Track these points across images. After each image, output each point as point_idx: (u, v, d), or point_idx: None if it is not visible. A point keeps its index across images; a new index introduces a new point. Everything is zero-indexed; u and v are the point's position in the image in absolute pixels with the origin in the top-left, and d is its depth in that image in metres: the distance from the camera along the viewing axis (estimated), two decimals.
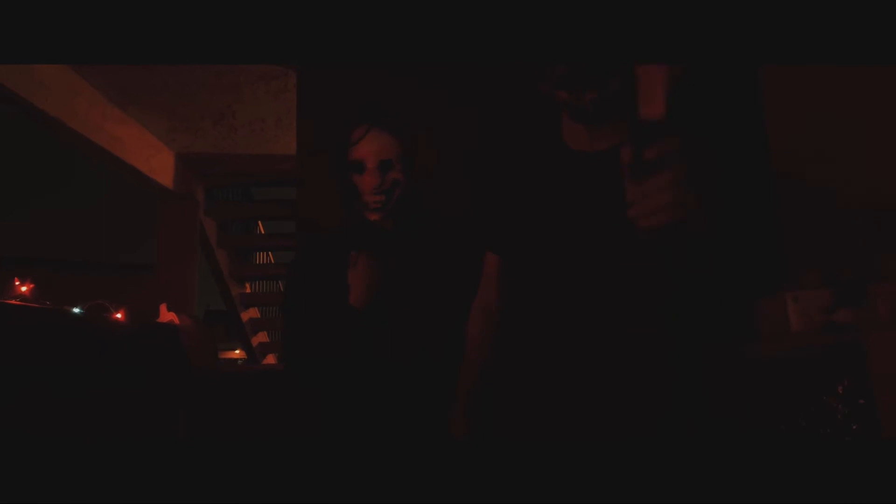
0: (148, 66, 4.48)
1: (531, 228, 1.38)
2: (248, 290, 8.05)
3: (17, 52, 1.92)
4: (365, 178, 1.62)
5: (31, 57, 1.95)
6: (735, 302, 2.04)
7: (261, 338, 8.43)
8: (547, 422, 1.33)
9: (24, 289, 2.16)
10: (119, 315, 2.52)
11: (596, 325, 1.33)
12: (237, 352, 10.07)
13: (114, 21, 1.77)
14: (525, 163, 1.43)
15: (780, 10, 1.45)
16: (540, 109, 1.40)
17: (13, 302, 2.08)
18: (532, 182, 1.39)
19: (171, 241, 6.38)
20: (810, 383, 1.55)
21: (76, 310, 2.33)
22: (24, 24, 1.81)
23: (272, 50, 1.88)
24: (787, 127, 2.46)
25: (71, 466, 2.01)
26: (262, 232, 8.36)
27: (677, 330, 1.40)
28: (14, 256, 7.02)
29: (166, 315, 3.02)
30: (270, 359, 8.82)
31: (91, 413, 2.20)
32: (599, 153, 1.32)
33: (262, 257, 8.98)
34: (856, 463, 1.34)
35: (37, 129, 4.77)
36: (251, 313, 8.04)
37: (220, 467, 2.49)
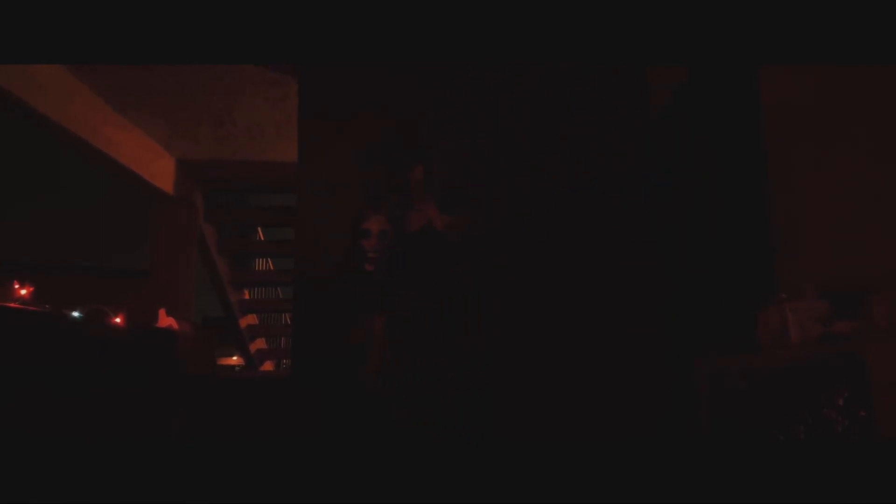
0: (147, 69, 4.45)
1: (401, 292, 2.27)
2: (247, 297, 8.04)
3: (15, 51, 1.92)
4: (370, 241, 2.41)
5: (30, 56, 1.94)
6: (733, 311, 2.03)
7: (259, 344, 8.41)
8: (545, 422, 1.34)
9: (23, 292, 2.17)
10: (118, 320, 2.52)
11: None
12: (234, 358, 10.04)
13: (113, 20, 1.77)
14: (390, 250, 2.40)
15: (779, 10, 1.45)
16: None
17: (13, 305, 2.08)
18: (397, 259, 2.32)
19: (169, 246, 6.36)
20: (809, 394, 1.55)
21: (75, 314, 2.33)
22: (23, 23, 1.81)
23: (274, 50, 1.88)
24: (784, 133, 2.46)
25: (66, 465, 2.01)
26: (262, 238, 8.35)
27: (671, 336, 1.41)
28: (12, 261, 6.96)
29: (165, 320, 3.02)
30: (268, 365, 8.79)
31: (88, 414, 2.19)
32: (418, 231, 2.31)
33: (261, 264, 8.96)
34: (851, 464, 1.33)
35: (35, 130, 4.75)
36: (250, 319, 8.03)
37: (213, 468, 2.48)
